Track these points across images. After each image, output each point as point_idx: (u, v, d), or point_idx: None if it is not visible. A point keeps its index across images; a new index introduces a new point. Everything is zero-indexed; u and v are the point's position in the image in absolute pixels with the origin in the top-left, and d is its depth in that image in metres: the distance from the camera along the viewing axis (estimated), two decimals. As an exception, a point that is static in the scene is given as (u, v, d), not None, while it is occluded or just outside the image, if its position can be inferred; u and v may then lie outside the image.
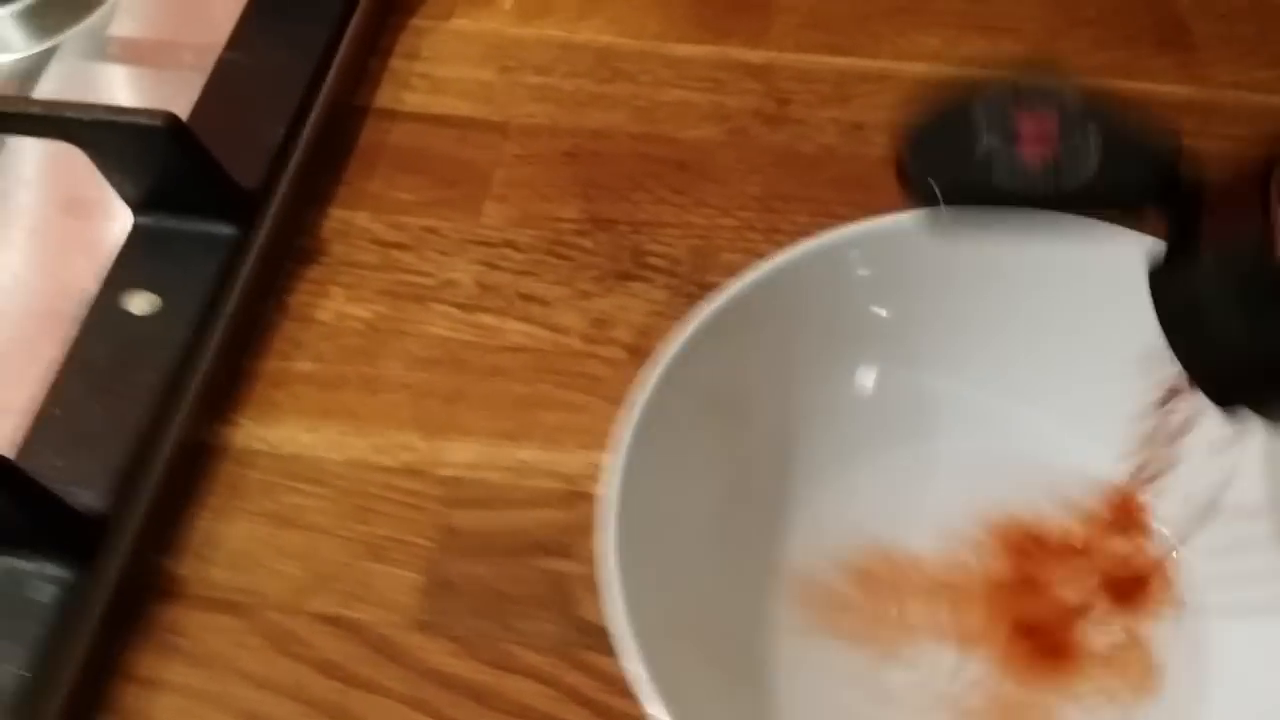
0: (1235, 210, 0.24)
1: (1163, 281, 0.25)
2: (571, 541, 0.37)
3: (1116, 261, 0.30)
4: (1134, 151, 0.26)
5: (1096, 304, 0.33)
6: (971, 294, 0.35)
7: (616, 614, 0.29)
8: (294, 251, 0.43)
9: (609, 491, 0.31)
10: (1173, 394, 0.28)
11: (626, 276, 0.43)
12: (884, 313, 0.36)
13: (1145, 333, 0.27)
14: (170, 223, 0.41)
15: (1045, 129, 0.26)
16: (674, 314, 0.40)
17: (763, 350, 0.35)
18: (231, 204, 0.41)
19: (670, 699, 0.28)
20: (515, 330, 0.42)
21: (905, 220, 0.34)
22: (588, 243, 0.44)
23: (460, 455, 0.39)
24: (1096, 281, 0.34)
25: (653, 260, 0.43)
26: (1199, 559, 0.34)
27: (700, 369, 0.34)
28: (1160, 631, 0.33)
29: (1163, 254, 0.25)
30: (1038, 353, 0.35)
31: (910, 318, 0.36)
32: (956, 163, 0.27)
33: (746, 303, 0.34)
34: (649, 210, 0.44)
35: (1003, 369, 0.36)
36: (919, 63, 0.48)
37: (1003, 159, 0.26)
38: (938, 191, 0.30)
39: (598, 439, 0.35)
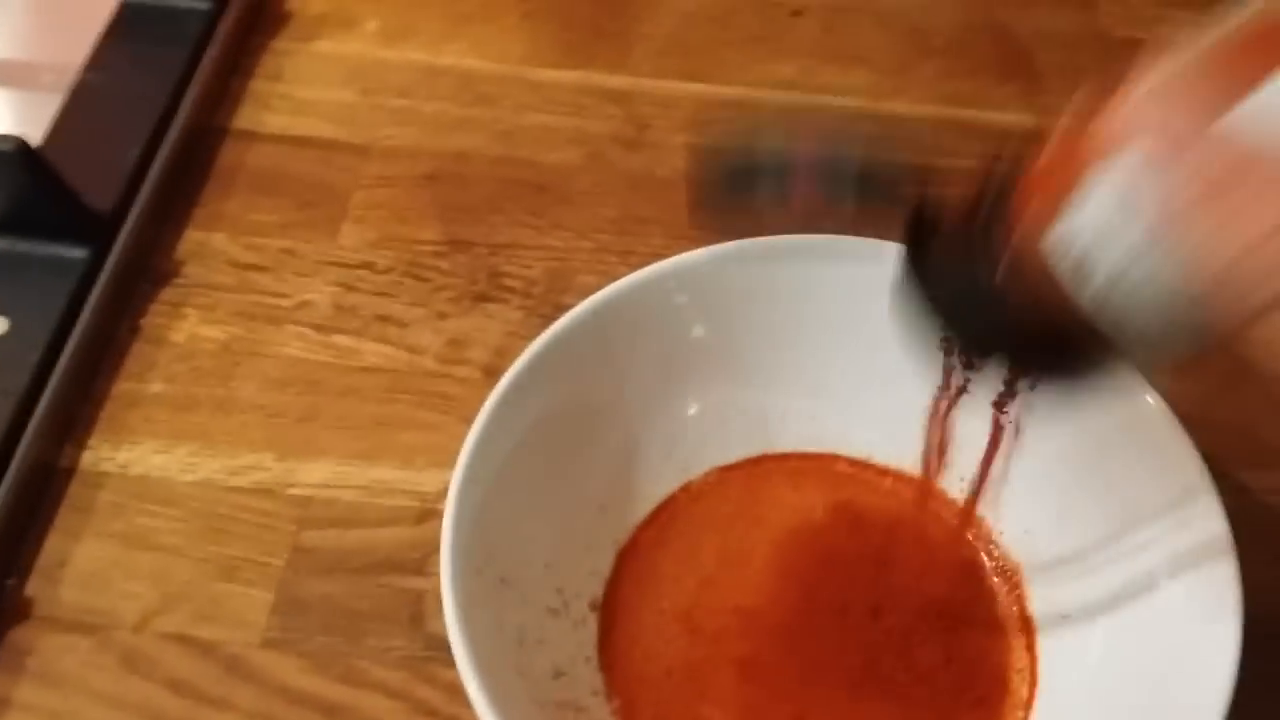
0: (966, 231, 0.28)
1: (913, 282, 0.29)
2: (423, 558, 0.38)
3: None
4: (883, 188, 0.30)
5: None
6: (777, 312, 0.37)
7: (455, 630, 0.30)
8: (149, 273, 0.44)
9: (449, 509, 0.32)
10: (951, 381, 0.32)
11: (483, 298, 0.44)
12: (702, 333, 0.37)
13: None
14: (22, 246, 0.41)
15: (811, 184, 0.29)
16: (529, 334, 0.41)
17: (600, 371, 0.36)
18: (84, 227, 0.42)
19: (506, 710, 0.29)
20: (371, 351, 0.42)
21: (714, 252, 0.37)
22: (445, 264, 0.44)
23: (313, 475, 0.39)
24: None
25: (509, 282, 0.44)
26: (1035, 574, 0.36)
27: (541, 389, 0.35)
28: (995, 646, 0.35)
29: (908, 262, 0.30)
30: (838, 358, 0.37)
31: (727, 336, 0.37)
32: (738, 200, 0.30)
33: (582, 328, 0.35)
34: (507, 233, 0.45)
35: (812, 376, 0.38)
36: (773, 90, 0.49)
37: (776, 205, 0.29)
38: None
39: (451, 458, 0.36)
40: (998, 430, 0.34)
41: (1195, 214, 0.24)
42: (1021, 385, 0.31)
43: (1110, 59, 0.50)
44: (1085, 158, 0.25)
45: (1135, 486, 0.34)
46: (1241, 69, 0.24)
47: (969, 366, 0.31)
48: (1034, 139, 0.28)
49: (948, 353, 0.31)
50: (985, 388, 0.35)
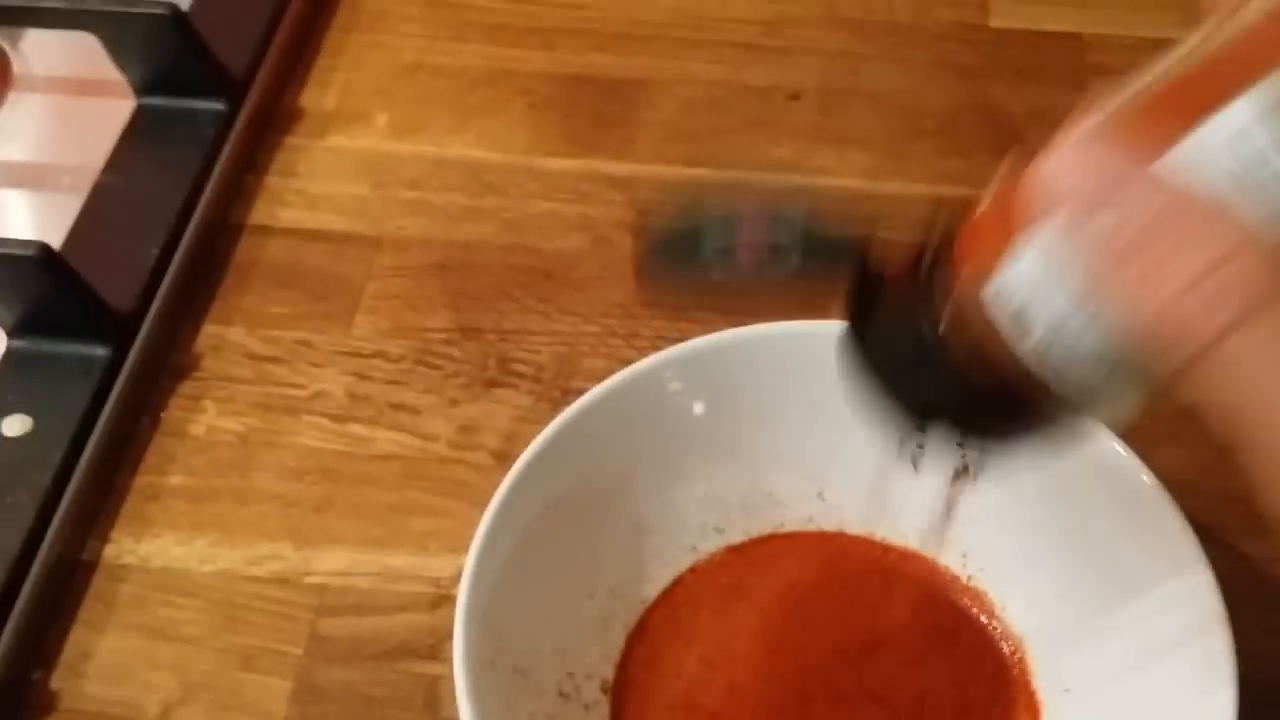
0: (908, 289, 0.28)
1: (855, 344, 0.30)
2: (438, 643, 0.39)
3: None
4: (828, 245, 0.31)
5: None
6: (778, 394, 0.38)
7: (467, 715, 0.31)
8: (168, 368, 0.45)
9: (460, 598, 0.33)
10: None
11: (493, 384, 0.45)
12: (705, 417, 0.38)
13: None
14: (44, 345, 0.43)
15: (758, 233, 0.30)
16: (539, 419, 0.42)
17: (607, 457, 0.37)
18: (105, 326, 0.43)
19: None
20: (385, 439, 0.43)
21: (716, 339, 0.38)
22: (456, 352, 0.45)
23: (329, 563, 0.40)
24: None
25: (518, 367, 0.45)
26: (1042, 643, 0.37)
27: (550, 476, 0.36)
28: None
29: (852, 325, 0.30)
30: (839, 438, 0.38)
31: (730, 420, 0.38)
32: (686, 263, 0.31)
33: (587, 417, 0.36)
34: (515, 319, 0.46)
35: (815, 456, 0.39)
36: (772, 172, 0.51)
37: (722, 260, 0.30)
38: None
39: (464, 542, 0.37)
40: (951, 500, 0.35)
41: (1120, 266, 0.24)
42: (969, 452, 0.31)
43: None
44: (1015, 216, 0.26)
45: (1132, 561, 0.35)
46: (1163, 120, 0.24)
47: (916, 435, 0.30)
48: (969, 201, 0.29)
49: (892, 425, 0.30)
50: (984, 462, 0.37)
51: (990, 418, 0.28)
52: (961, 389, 0.28)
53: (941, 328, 0.27)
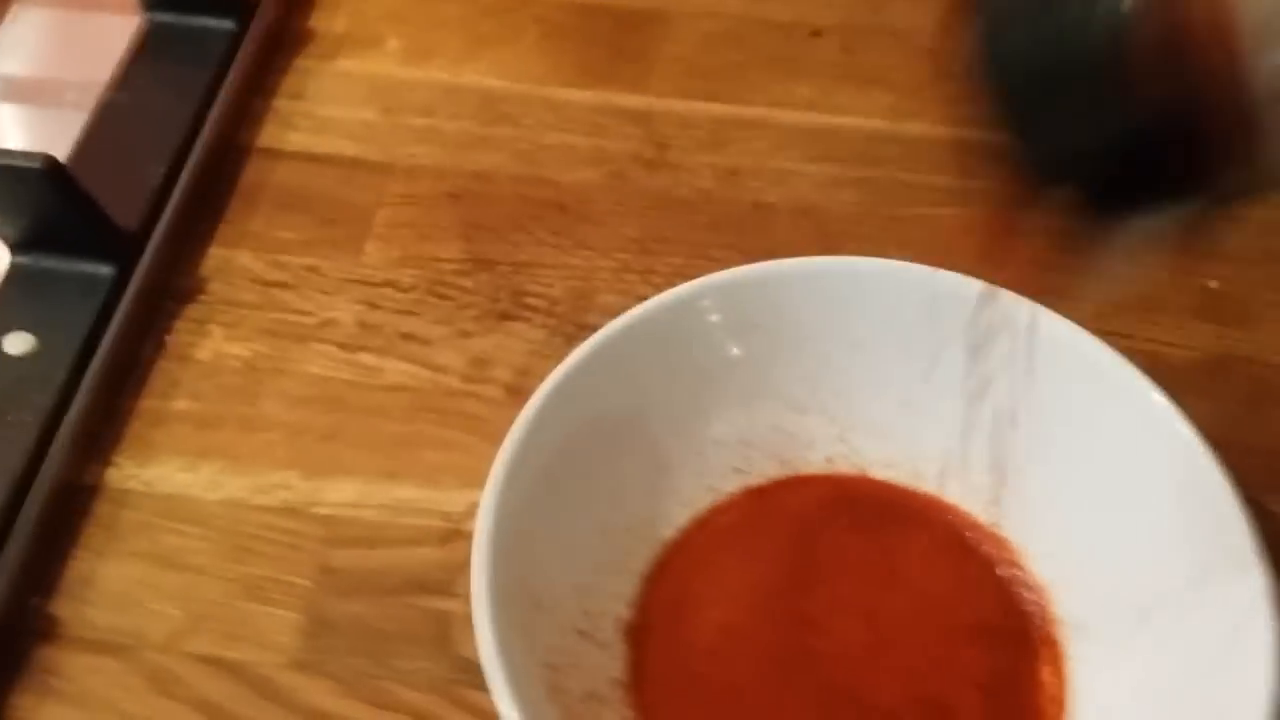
0: None
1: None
2: (450, 579, 0.38)
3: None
4: None
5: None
6: (807, 333, 0.38)
7: (488, 652, 0.30)
8: (173, 290, 0.44)
9: (480, 529, 0.32)
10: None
11: (506, 316, 0.44)
12: (733, 353, 0.38)
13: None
14: (48, 263, 0.42)
15: None
16: (552, 353, 0.41)
17: (629, 391, 0.36)
18: (110, 245, 0.42)
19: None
20: (395, 369, 0.42)
21: (748, 271, 0.37)
22: (468, 283, 0.44)
23: (339, 494, 0.39)
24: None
25: (532, 301, 0.44)
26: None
27: (571, 409, 0.35)
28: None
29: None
30: (867, 380, 0.38)
31: (756, 357, 0.38)
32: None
33: (613, 347, 0.36)
34: (529, 251, 0.45)
35: (840, 398, 0.38)
36: (792, 111, 0.50)
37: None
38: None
39: (477, 477, 0.36)
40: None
41: None
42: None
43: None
44: None
45: (1165, 514, 0.34)
46: None
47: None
48: None
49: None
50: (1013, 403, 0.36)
51: (1143, 176, 0.20)
52: (1126, 117, 0.19)
53: (1128, 4, 0.19)
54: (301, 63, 0.50)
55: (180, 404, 0.41)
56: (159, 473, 0.40)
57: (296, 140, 0.48)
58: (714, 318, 0.37)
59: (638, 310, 0.36)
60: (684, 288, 0.37)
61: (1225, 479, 0.33)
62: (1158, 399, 0.35)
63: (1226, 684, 0.31)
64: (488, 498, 0.33)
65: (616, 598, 0.35)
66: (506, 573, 0.32)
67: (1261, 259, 0.46)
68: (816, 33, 0.52)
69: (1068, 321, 0.37)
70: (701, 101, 0.50)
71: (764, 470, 0.38)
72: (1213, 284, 0.45)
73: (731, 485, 0.38)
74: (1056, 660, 0.35)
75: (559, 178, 0.48)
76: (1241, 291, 0.45)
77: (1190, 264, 0.46)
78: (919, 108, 0.50)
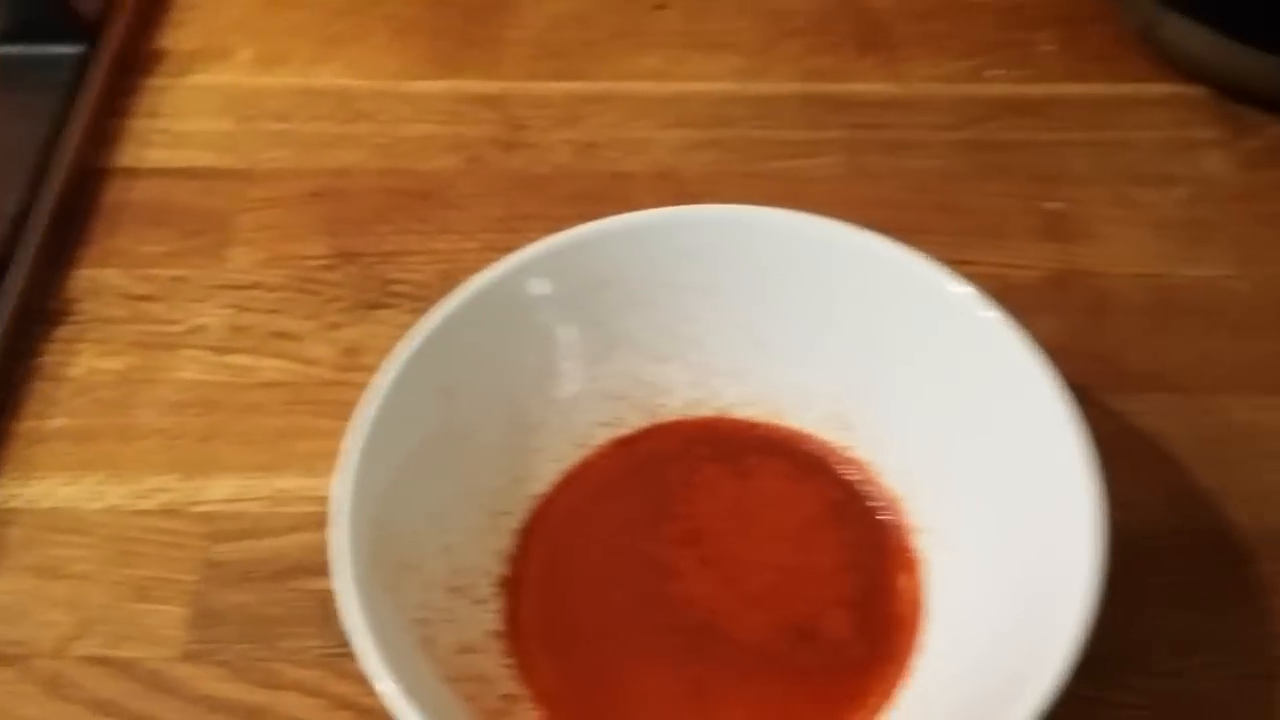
0: None
1: None
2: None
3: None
4: None
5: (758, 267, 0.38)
6: (649, 285, 0.38)
7: (351, 612, 0.31)
8: (43, 314, 0.44)
9: (336, 498, 0.33)
10: None
11: (375, 305, 0.45)
12: (589, 309, 0.38)
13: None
14: (-88, 295, 0.42)
15: None
16: (424, 336, 0.42)
17: (485, 355, 0.37)
18: (-30, 274, 0.42)
19: (410, 686, 0.30)
20: (268, 366, 0.43)
21: (588, 230, 0.38)
22: (335, 276, 0.45)
23: (218, 491, 0.40)
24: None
25: (400, 288, 0.45)
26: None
27: (422, 380, 0.36)
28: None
29: None
30: (710, 324, 0.39)
31: (604, 314, 0.39)
32: None
33: (461, 316, 0.37)
34: (394, 241, 0.46)
35: (688, 344, 0.39)
36: (643, 81, 0.51)
37: None
38: None
39: (354, 460, 0.37)
40: None
41: None
42: None
43: (964, 23, 0.53)
44: None
45: (1003, 421, 0.36)
46: None
47: None
48: None
49: None
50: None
51: None
52: None
53: None
54: (154, 81, 0.51)
55: (57, 422, 0.42)
56: (41, 489, 0.40)
57: (155, 157, 0.49)
58: (559, 279, 0.38)
59: (479, 278, 0.37)
60: (526, 251, 0.38)
61: (1055, 382, 0.35)
62: (989, 314, 0.36)
63: (1057, 571, 0.32)
64: (342, 472, 0.34)
65: (491, 555, 0.36)
66: (368, 536, 0.33)
67: (1099, 178, 0.48)
68: (661, 5, 0.54)
69: (903, 247, 0.38)
70: (553, 81, 0.51)
71: (629, 421, 0.39)
72: (1055, 205, 0.47)
73: (599, 438, 0.39)
74: (912, 567, 0.36)
75: (419, 167, 0.48)
76: (1082, 210, 0.47)
77: (1032, 189, 0.47)
78: (764, 68, 0.52)
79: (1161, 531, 0.39)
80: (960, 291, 0.37)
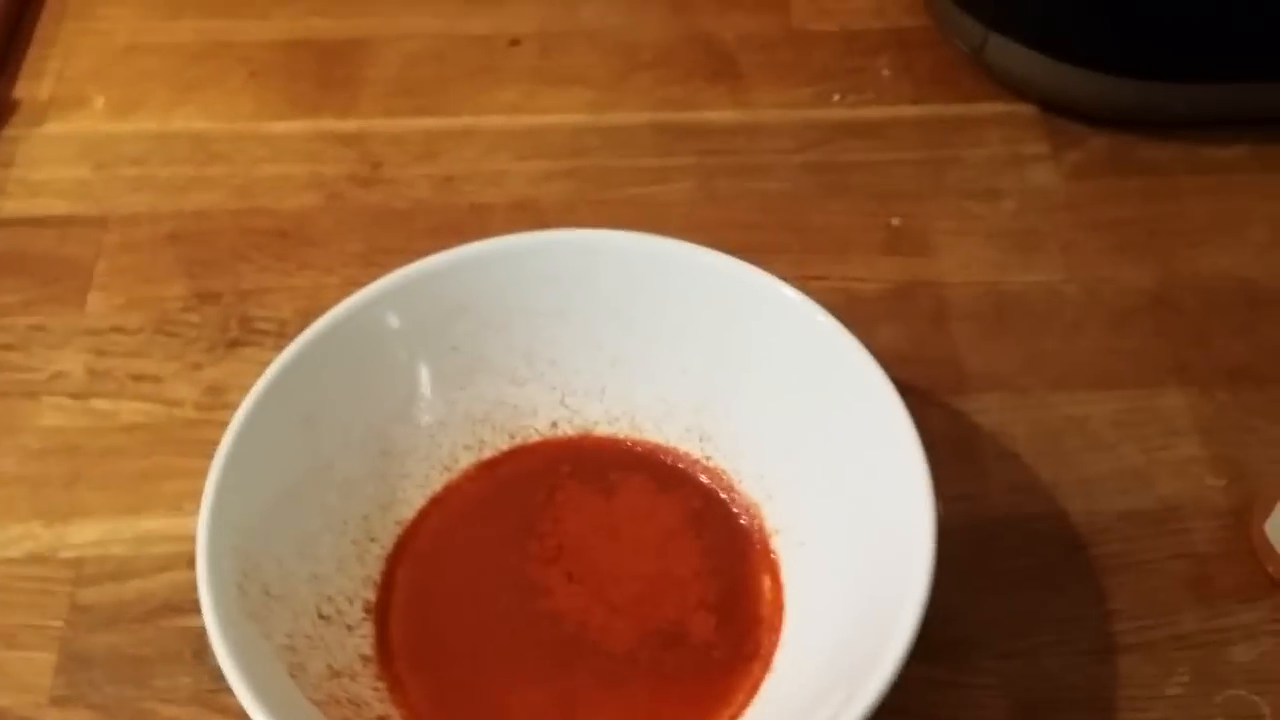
0: None
1: None
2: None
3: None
4: None
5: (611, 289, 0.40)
6: (514, 306, 0.40)
7: (221, 654, 0.32)
8: (-105, 367, 0.44)
9: (200, 531, 0.33)
10: None
11: (237, 343, 0.45)
12: (448, 335, 0.39)
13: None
14: None
15: None
16: (287, 372, 0.43)
17: (342, 386, 0.38)
18: None
19: (275, 707, 0.30)
20: (130, 409, 0.43)
21: (443, 259, 0.39)
22: (195, 317, 0.46)
23: (83, 536, 0.40)
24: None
25: (261, 325, 0.45)
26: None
27: (280, 413, 0.36)
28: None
29: None
30: (568, 345, 0.40)
31: (472, 335, 0.40)
32: None
33: (316, 349, 0.37)
34: (253, 279, 0.47)
35: (547, 366, 0.40)
36: (499, 115, 0.52)
37: None
38: None
39: (221, 498, 0.37)
40: None
41: None
42: None
43: (806, 52, 0.55)
44: None
45: (847, 426, 0.37)
46: None
47: None
48: None
49: None
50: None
51: None
52: None
53: None
54: (8, 132, 0.51)
55: (-86, 474, 0.42)
56: (-102, 544, 0.40)
57: (10, 207, 0.48)
58: (414, 308, 0.39)
59: (334, 311, 0.38)
60: (380, 283, 0.39)
61: (887, 383, 0.36)
62: (823, 319, 0.38)
63: (898, 562, 0.34)
64: (205, 501, 0.34)
65: (360, 581, 0.37)
66: (232, 567, 0.33)
67: (935, 193, 0.50)
68: (515, 41, 0.55)
69: (746, 264, 0.39)
70: (411, 118, 0.52)
71: (494, 444, 0.40)
72: (895, 221, 0.49)
73: (464, 462, 0.40)
74: (773, 569, 0.38)
75: (277, 206, 0.49)
76: (920, 225, 0.49)
77: (873, 206, 0.50)
78: (616, 99, 0.53)
79: (1003, 521, 0.41)
80: (796, 300, 0.38)
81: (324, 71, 0.53)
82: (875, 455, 0.36)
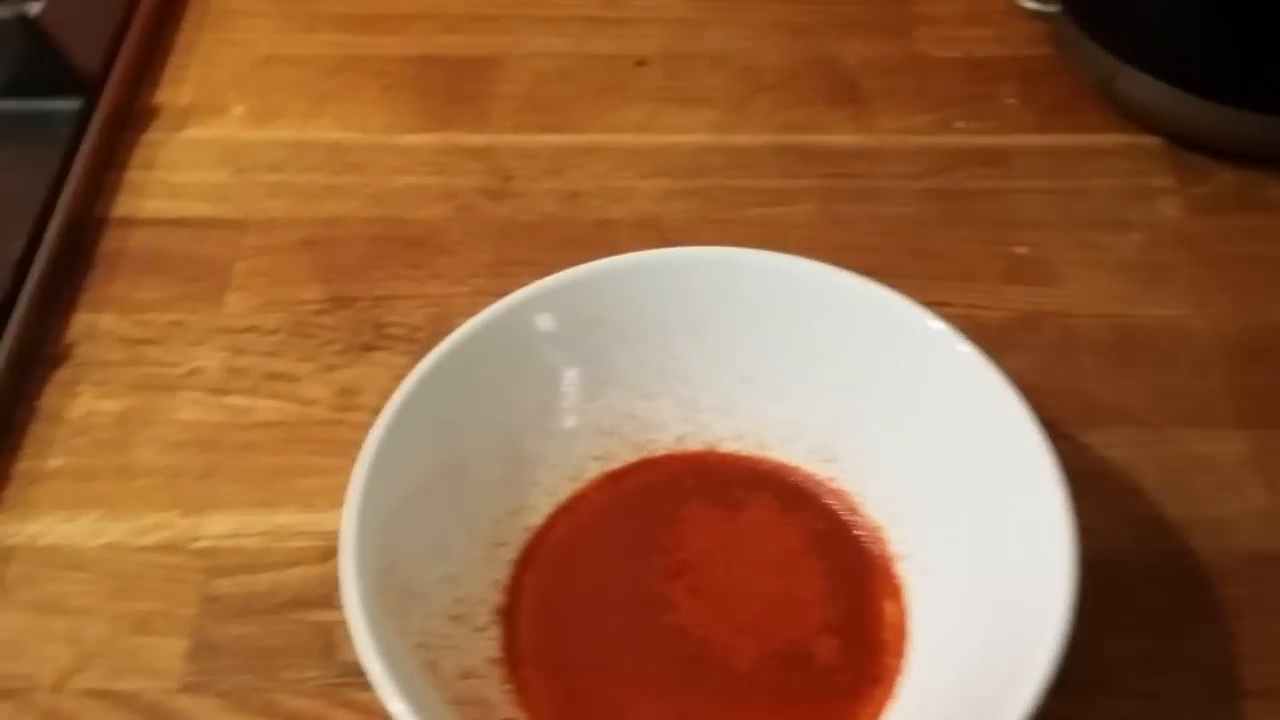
0: None
1: None
2: (331, 592, 0.39)
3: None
4: None
5: (745, 307, 0.40)
6: (640, 324, 0.40)
7: (360, 634, 0.32)
8: (42, 357, 0.45)
9: (345, 529, 0.34)
10: None
11: (369, 348, 0.46)
12: (582, 347, 0.40)
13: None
14: (-89, 340, 0.43)
15: None
16: (417, 376, 0.44)
17: (482, 391, 0.38)
18: (-26, 318, 0.43)
19: (417, 704, 0.31)
20: (265, 407, 0.44)
21: (582, 271, 0.40)
22: (330, 320, 0.47)
23: (217, 527, 0.41)
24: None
25: (393, 330, 0.46)
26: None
27: (424, 416, 0.37)
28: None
29: None
30: (701, 361, 0.40)
31: (598, 351, 0.40)
32: None
33: (459, 354, 0.38)
34: (386, 286, 0.48)
35: (681, 380, 0.41)
36: (624, 134, 0.53)
37: None
38: None
39: (350, 497, 0.38)
40: None
41: None
42: None
43: (929, 78, 0.55)
44: None
45: (977, 446, 0.37)
46: None
47: None
48: None
49: None
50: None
51: None
52: None
53: None
54: (151, 136, 0.52)
55: (56, 461, 0.43)
56: (40, 527, 0.41)
57: (151, 207, 0.50)
58: (556, 317, 0.39)
59: (480, 317, 0.38)
60: (522, 292, 0.39)
61: (1028, 415, 0.36)
62: (965, 349, 0.38)
63: (1033, 595, 0.33)
64: (352, 496, 0.35)
65: (489, 585, 0.38)
66: (375, 563, 0.34)
67: (1060, 223, 0.50)
68: (641, 62, 0.56)
69: (886, 288, 0.40)
70: (539, 134, 0.53)
71: (620, 455, 0.41)
72: (1020, 250, 0.49)
73: (591, 472, 0.40)
74: (896, 593, 0.38)
75: (409, 216, 0.50)
76: (1046, 254, 0.49)
77: (996, 234, 0.50)
78: (740, 121, 0.54)
79: (1128, 557, 0.41)
80: (937, 328, 0.39)
81: (455, 87, 0.55)
82: (1013, 489, 0.36)
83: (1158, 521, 0.42)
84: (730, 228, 0.50)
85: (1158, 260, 0.49)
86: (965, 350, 0.38)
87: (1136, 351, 0.46)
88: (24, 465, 0.42)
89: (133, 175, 0.51)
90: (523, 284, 0.49)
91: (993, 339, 0.45)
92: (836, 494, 0.40)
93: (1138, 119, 0.53)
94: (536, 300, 0.39)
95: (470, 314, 0.47)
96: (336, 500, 0.42)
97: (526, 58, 0.56)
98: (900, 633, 0.37)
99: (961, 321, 0.46)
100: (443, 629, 0.35)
